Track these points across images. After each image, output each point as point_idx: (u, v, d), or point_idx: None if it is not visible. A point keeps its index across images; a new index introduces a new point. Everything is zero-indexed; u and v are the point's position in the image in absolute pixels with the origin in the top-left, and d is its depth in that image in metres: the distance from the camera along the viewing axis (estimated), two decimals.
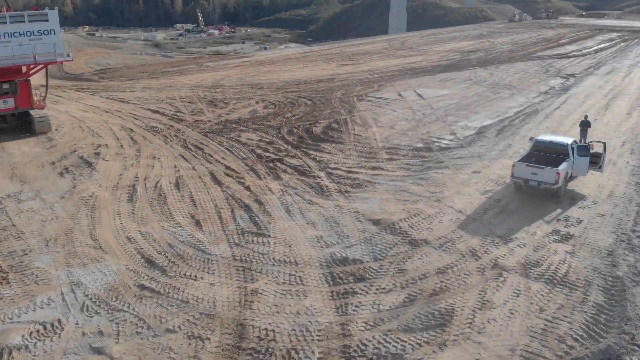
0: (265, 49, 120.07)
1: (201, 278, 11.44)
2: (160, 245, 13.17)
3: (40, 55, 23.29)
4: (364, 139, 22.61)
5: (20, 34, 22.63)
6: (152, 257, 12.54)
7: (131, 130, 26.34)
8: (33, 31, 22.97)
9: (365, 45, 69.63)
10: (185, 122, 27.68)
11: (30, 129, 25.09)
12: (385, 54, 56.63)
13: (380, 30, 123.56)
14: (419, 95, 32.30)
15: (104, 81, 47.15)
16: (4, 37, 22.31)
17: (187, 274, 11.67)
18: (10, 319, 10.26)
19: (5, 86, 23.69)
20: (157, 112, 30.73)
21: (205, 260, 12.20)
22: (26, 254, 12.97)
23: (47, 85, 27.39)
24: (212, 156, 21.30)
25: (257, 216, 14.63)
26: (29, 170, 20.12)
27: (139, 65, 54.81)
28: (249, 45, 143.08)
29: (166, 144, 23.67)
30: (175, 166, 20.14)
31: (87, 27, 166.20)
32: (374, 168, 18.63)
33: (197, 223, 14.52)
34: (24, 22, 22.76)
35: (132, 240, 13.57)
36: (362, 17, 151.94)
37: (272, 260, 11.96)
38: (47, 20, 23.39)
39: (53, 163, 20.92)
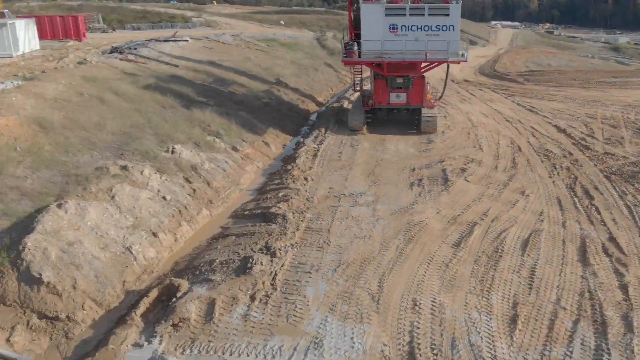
0: None
1: None
2: (441, 335, 9.26)
3: (432, 52, 21.55)
4: None
5: (417, 28, 21.38)
6: (425, 349, 8.83)
7: (519, 149, 22.12)
8: (431, 26, 21.30)
9: None
10: (591, 152, 21.28)
11: (418, 126, 24.47)
12: None
13: None
14: None
15: (527, 84, 43.40)
16: (401, 30, 21.47)
17: None
18: (230, 355, 8.83)
19: (399, 81, 23.24)
20: (563, 131, 25.14)
21: None
22: (309, 272, 11.55)
23: (445, 85, 26.06)
24: (599, 213, 14.98)
25: (609, 351, 8.51)
26: (388, 171, 19.18)
27: (573, 71, 48.13)
28: None
29: (550, 177, 18.50)
30: (541, 214, 15.07)
31: (548, 24, 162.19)
32: None
33: (512, 322, 9.69)
34: (423, 15, 21.31)
35: (416, 307, 10.15)
36: None
37: None
38: (447, 15, 21.25)
39: (413, 169, 19.32)
